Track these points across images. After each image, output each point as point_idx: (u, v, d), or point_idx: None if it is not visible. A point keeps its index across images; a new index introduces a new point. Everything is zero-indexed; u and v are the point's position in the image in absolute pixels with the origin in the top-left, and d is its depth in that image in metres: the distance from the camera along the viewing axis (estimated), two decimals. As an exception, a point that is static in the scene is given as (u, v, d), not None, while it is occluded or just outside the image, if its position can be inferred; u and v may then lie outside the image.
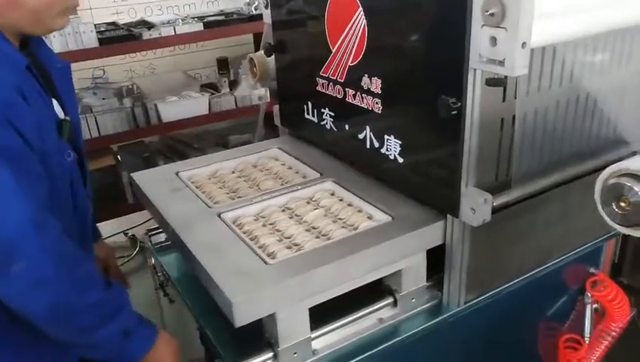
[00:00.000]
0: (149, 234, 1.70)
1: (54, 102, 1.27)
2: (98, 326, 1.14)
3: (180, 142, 3.54)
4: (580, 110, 1.33)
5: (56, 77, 1.32)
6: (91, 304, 1.13)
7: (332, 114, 1.59)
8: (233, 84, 3.49)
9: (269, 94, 2.51)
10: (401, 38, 1.25)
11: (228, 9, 3.53)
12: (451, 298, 1.33)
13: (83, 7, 3.33)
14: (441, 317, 1.32)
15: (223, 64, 3.63)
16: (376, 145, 1.42)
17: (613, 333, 1.55)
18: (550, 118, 1.28)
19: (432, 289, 1.37)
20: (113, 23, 3.25)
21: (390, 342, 1.25)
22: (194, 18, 3.19)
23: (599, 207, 0.99)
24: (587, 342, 1.54)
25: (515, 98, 1.18)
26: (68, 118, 1.29)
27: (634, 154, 1.34)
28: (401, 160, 1.35)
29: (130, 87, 3.33)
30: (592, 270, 1.57)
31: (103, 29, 3.10)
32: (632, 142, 1.40)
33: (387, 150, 1.38)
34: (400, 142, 1.33)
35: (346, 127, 1.53)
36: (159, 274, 1.63)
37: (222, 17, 3.26)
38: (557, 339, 1.59)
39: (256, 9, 3.22)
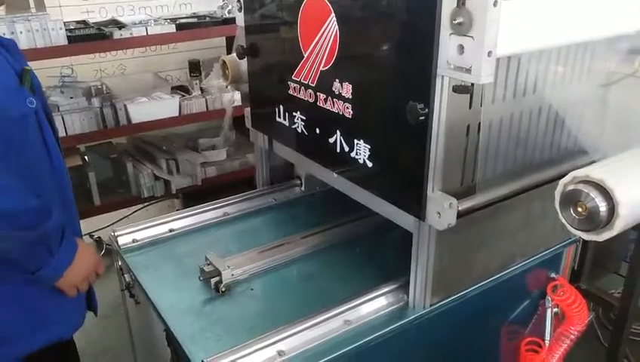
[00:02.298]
0: (116, 235, 1.68)
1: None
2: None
3: (149, 144, 3.50)
4: (542, 120, 1.38)
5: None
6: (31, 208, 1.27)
7: (303, 117, 1.60)
8: (204, 87, 3.47)
9: (240, 97, 2.51)
10: (371, 44, 1.28)
11: (201, 12, 3.51)
12: (417, 301, 1.36)
13: (52, 5, 3.28)
14: (406, 320, 1.34)
15: (194, 66, 3.60)
16: (347, 148, 1.44)
17: (572, 336, 1.60)
18: (514, 127, 1.32)
19: (398, 292, 1.39)
20: (83, 22, 3.20)
21: (356, 344, 1.26)
22: (166, 19, 3.17)
23: (559, 211, 1.02)
24: (547, 344, 1.59)
25: (481, 106, 1.22)
26: (28, 67, 1.37)
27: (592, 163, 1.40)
28: (370, 164, 1.37)
29: (99, 86, 3.28)
30: (552, 275, 1.62)
31: (72, 27, 3.05)
32: (591, 152, 1.45)
33: (357, 154, 1.40)
34: (369, 146, 1.35)
35: (317, 130, 1.55)
36: (125, 275, 1.62)
37: (194, 20, 3.24)
38: (519, 342, 1.63)
39: (229, 12, 3.22)
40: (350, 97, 1.38)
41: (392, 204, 1.34)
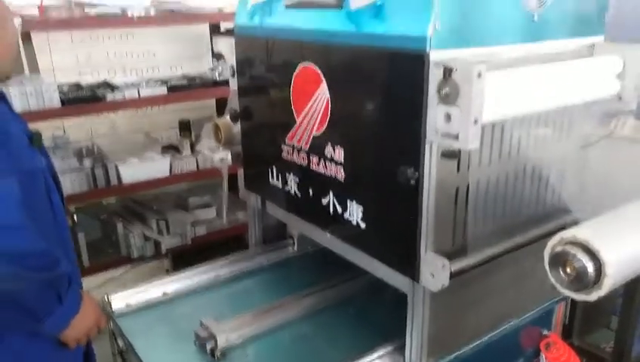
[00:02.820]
0: (109, 300, 1.67)
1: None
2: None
3: (139, 204, 3.51)
4: (527, 180, 1.43)
5: None
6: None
7: (296, 179, 1.64)
8: (194, 146, 3.52)
9: (230, 157, 2.57)
10: (362, 112, 1.33)
11: (191, 73, 3.60)
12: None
13: (46, 67, 3.35)
14: (403, 381, 1.34)
15: (185, 126, 3.68)
16: (340, 210, 1.47)
17: (567, 394, 1.60)
18: (501, 187, 1.37)
19: (394, 354, 1.39)
20: (76, 84, 3.27)
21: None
22: (158, 81, 3.25)
23: (548, 272, 1.05)
24: (543, 403, 1.58)
25: (468, 169, 1.26)
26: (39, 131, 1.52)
27: (576, 222, 1.45)
28: (363, 225, 1.40)
29: (90, 147, 3.32)
30: (545, 332, 1.64)
31: (65, 89, 3.11)
32: (574, 210, 1.50)
33: (350, 215, 1.44)
34: (362, 207, 1.39)
35: (310, 191, 1.58)
36: (118, 340, 1.60)
37: (185, 82, 3.33)
38: (515, 401, 1.62)
39: (219, 75, 3.31)
40: (342, 161, 1.42)
41: (386, 265, 1.37)
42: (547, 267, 1.06)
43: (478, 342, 1.45)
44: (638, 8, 3.01)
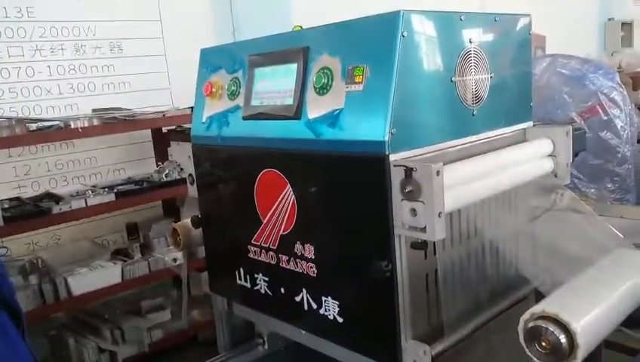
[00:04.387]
0: None
1: None
2: None
3: (89, 315, 3.37)
4: (487, 256, 1.53)
5: None
6: None
7: (266, 278, 1.66)
8: (144, 248, 3.47)
9: (185, 258, 2.56)
10: (330, 212, 1.40)
11: (136, 176, 3.61)
12: None
13: (-19, 185, 3.26)
14: None
15: (132, 229, 3.64)
16: (314, 306, 1.50)
17: None
18: (464, 266, 1.46)
19: None
20: (17, 198, 3.18)
21: None
22: (104, 188, 3.22)
23: (525, 347, 1.13)
24: None
25: (434, 254, 1.35)
26: None
27: (536, 290, 1.55)
28: (340, 319, 1.43)
29: (34, 261, 3.20)
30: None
31: (6, 205, 3.02)
32: (531, 279, 1.62)
33: (326, 310, 1.47)
34: (337, 302, 1.43)
35: (282, 290, 1.61)
36: None
37: (132, 186, 3.32)
38: None
39: (166, 176, 3.34)
40: (313, 257, 1.47)
41: (367, 356, 1.40)
42: (523, 343, 1.13)
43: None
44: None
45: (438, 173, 1.15)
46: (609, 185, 3.52)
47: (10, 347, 1.32)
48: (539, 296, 1.39)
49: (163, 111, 3.41)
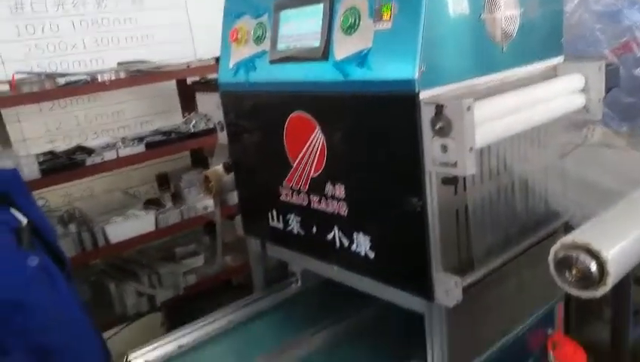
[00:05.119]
0: (130, 358, 1.70)
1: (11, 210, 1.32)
2: None
3: (127, 261, 3.50)
4: (516, 192, 1.54)
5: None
6: None
7: (298, 219, 1.71)
8: (175, 198, 3.56)
9: (217, 204, 2.63)
10: (360, 152, 1.42)
11: (164, 127, 3.65)
12: (436, 379, 1.44)
13: (17, 139, 3.35)
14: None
15: (162, 179, 3.71)
16: (346, 243, 1.55)
17: (578, 387, 1.70)
18: (494, 202, 1.48)
19: (416, 374, 1.47)
20: (51, 152, 3.27)
21: None
22: (134, 140, 3.29)
23: (555, 276, 1.16)
24: (557, 399, 1.67)
25: (465, 190, 1.37)
26: (24, 222, 1.34)
27: (566, 225, 1.58)
28: (372, 254, 1.48)
29: (71, 211, 3.31)
30: (549, 331, 1.74)
31: (41, 159, 3.11)
32: (561, 213, 1.63)
33: (357, 247, 1.52)
34: (369, 238, 1.47)
35: (314, 229, 1.66)
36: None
37: (161, 137, 3.38)
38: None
39: (194, 127, 3.38)
40: (343, 197, 1.51)
41: (400, 289, 1.45)
42: (553, 272, 1.16)
43: (492, 349, 1.54)
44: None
45: (468, 108, 1.15)
46: (642, 123, 3.44)
47: (55, 290, 1.37)
48: (568, 231, 1.41)
49: (187, 62, 3.41)
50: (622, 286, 2.15)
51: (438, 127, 1.19)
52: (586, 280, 1.11)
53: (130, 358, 1.70)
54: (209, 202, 3.51)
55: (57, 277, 1.39)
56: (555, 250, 1.15)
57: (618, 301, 2.15)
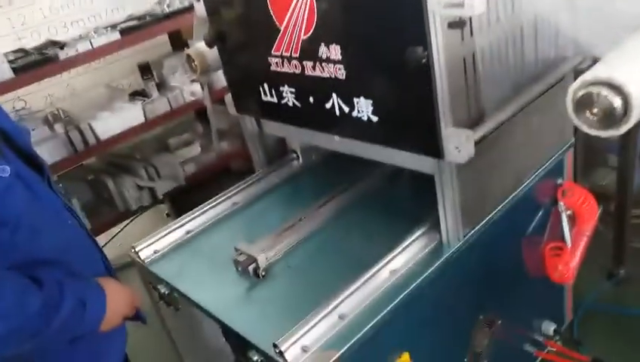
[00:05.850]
0: (137, 250, 1.67)
1: None
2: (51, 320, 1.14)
3: (121, 157, 3.44)
4: (525, 36, 1.42)
5: None
6: (35, 312, 1.11)
7: (292, 90, 1.60)
8: (160, 87, 3.41)
9: (205, 88, 2.51)
10: (354, 3, 1.28)
11: (137, 12, 3.40)
12: (450, 236, 1.41)
13: (-20, 39, 3.14)
14: (445, 256, 1.40)
15: (145, 69, 3.52)
16: (346, 110, 1.45)
17: (588, 233, 1.70)
18: (503, 49, 1.37)
19: (430, 233, 1.45)
20: (21, 49, 3.07)
21: (408, 290, 1.31)
22: (107, 28, 3.07)
23: (574, 117, 1.08)
24: (569, 245, 1.68)
25: (472, 35, 1.25)
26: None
27: (575, 71, 1.47)
28: (375, 118, 1.39)
29: (55, 112, 3.18)
30: (559, 181, 1.71)
31: (11, 57, 2.92)
32: (569, 56, 1.52)
33: (359, 112, 1.42)
34: (372, 101, 1.38)
35: (310, 99, 1.55)
36: (159, 286, 1.62)
37: (136, 22, 3.15)
38: (541, 251, 1.72)
39: (168, 7, 3.14)
40: (340, 58, 1.39)
41: (408, 150, 1.38)
42: (571, 113, 1.08)
43: (504, 203, 1.51)
44: None
45: None
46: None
47: (36, 198, 1.25)
48: (577, 76, 1.31)
49: None
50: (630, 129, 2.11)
51: (441, -40, 1.04)
52: (609, 117, 1.03)
53: (136, 249, 1.68)
54: (196, 87, 3.37)
55: (36, 184, 1.27)
56: (574, 88, 1.06)
57: (625, 144, 2.12)
